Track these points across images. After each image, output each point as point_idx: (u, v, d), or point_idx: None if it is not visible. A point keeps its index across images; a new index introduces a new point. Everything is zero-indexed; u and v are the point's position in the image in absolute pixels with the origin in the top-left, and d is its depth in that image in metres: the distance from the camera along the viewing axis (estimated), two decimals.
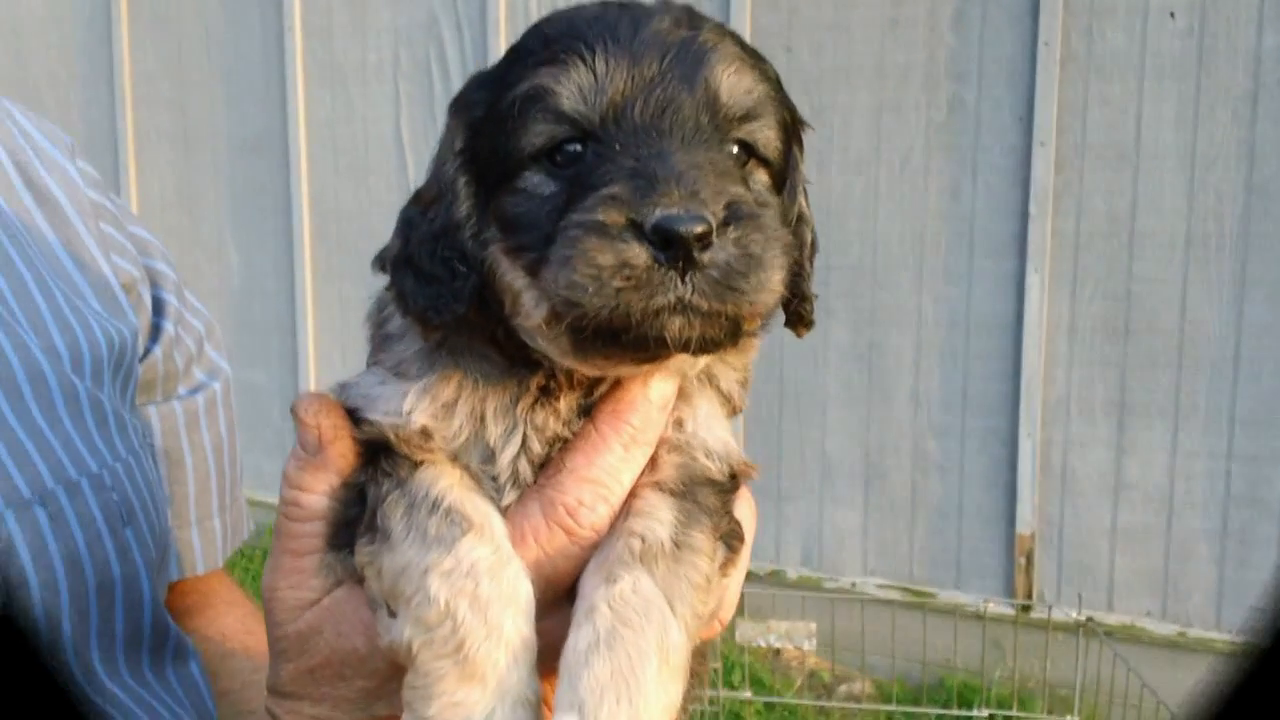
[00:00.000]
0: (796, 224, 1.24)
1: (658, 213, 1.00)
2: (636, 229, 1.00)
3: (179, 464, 1.72)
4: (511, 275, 1.13)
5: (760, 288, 1.05)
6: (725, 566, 1.20)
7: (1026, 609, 6.32)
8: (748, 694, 5.89)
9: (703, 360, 1.21)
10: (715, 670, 5.77)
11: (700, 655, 1.26)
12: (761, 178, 1.17)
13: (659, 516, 1.16)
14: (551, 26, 1.15)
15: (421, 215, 1.20)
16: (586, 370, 1.17)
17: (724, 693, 5.81)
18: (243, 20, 8.19)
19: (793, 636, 5.64)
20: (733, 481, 1.25)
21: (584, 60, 1.08)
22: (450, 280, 1.15)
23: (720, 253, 1.02)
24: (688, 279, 1.01)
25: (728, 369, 1.28)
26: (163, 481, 1.66)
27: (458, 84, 6.10)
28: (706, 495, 1.20)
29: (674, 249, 1.00)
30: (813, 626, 5.39)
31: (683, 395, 1.23)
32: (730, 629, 5.89)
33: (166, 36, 8.54)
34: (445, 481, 1.16)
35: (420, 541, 1.12)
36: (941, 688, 6.32)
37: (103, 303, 1.54)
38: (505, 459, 1.20)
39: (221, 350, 1.84)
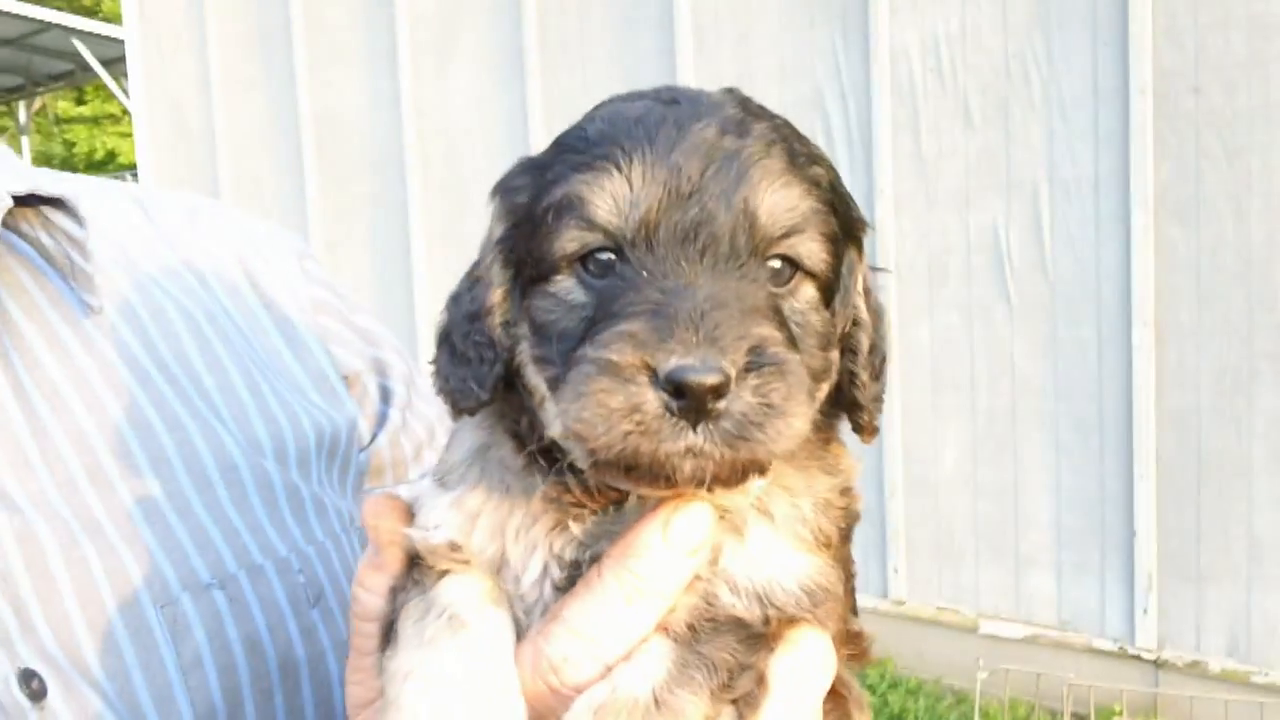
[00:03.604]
0: (851, 330, 1.16)
1: (673, 361, 0.95)
2: (651, 373, 0.96)
3: None
4: (536, 380, 1.10)
5: (777, 437, 0.98)
6: None
7: None
8: None
9: (749, 489, 1.09)
10: None
11: None
12: (807, 291, 1.10)
13: (645, 667, 1.05)
14: (594, 124, 1.11)
15: (466, 293, 1.18)
16: (612, 483, 1.09)
17: None
18: None
19: None
20: (768, 626, 1.10)
21: (619, 169, 1.04)
22: (479, 364, 1.14)
23: (736, 402, 0.96)
24: (700, 429, 0.96)
25: (786, 496, 1.14)
26: None
27: (844, 156, 6.14)
28: (722, 643, 1.07)
29: (687, 399, 0.95)
30: None
31: (731, 524, 1.12)
32: None
33: None
34: (465, 589, 1.12)
35: (415, 646, 1.09)
36: None
37: (320, 393, 1.62)
38: (527, 582, 1.13)
39: None
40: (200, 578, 1.38)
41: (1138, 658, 6.62)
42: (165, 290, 1.56)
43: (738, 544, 1.10)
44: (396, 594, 1.18)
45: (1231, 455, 6.25)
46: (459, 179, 10.00)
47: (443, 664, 1.07)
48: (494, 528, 1.14)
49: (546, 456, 1.11)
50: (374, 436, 1.73)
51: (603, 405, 0.97)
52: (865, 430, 1.18)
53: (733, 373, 0.96)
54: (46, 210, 1.44)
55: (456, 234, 9.93)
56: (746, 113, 1.10)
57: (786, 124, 1.13)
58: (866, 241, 1.19)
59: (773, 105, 1.14)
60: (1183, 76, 6.15)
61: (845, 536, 1.19)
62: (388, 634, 1.16)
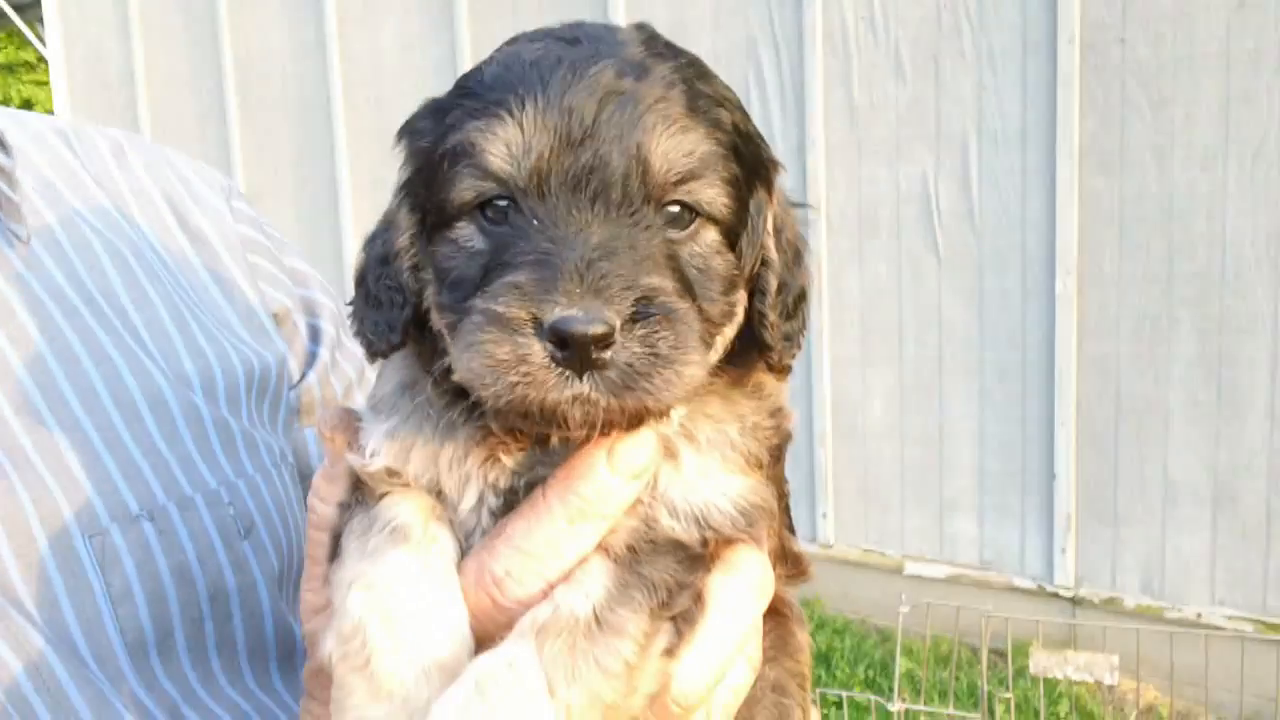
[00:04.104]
0: (760, 271, 1.16)
1: (556, 312, 0.96)
2: (537, 324, 0.97)
3: None
4: (439, 325, 1.11)
5: (665, 386, 0.99)
6: (672, 650, 1.09)
7: None
8: None
9: (663, 425, 1.11)
10: (1038, 698, 5.42)
11: None
12: (708, 236, 1.09)
13: (586, 586, 1.06)
14: (492, 67, 1.10)
15: (379, 236, 1.19)
16: (514, 426, 1.10)
17: None
18: None
19: (1092, 668, 5.16)
20: (706, 547, 1.12)
21: (512, 116, 1.03)
22: (390, 308, 1.15)
23: (623, 352, 0.97)
24: (586, 378, 0.97)
25: (711, 423, 1.15)
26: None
27: (775, 105, 6.12)
28: (661, 565, 1.08)
29: (571, 350, 0.96)
30: (1114, 659, 4.88)
31: (667, 450, 1.13)
32: (1024, 658, 5.52)
33: None
34: (406, 506, 1.14)
35: (359, 556, 1.11)
36: None
37: (249, 331, 1.62)
38: (464, 509, 1.14)
39: None
40: (129, 509, 1.37)
41: (1056, 595, 6.81)
42: (91, 224, 1.54)
43: (674, 470, 1.12)
44: (343, 510, 1.19)
45: (1149, 401, 6.43)
46: (388, 127, 9.73)
47: (386, 573, 1.08)
48: (427, 459, 1.14)
49: (465, 396, 1.10)
50: (304, 375, 1.72)
51: (490, 356, 0.98)
52: (776, 370, 1.19)
53: (617, 323, 0.97)
54: None
55: (386, 182, 9.78)
56: (649, 53, 1.08)
57: (692, 64, 1.11)
58: (788, 184, 1.19)
59: (704, 53, 1.13)
60: (1110, 28, 6.26)
61: (776, 456, 1.21)
62: (333, 549, 1.18)
